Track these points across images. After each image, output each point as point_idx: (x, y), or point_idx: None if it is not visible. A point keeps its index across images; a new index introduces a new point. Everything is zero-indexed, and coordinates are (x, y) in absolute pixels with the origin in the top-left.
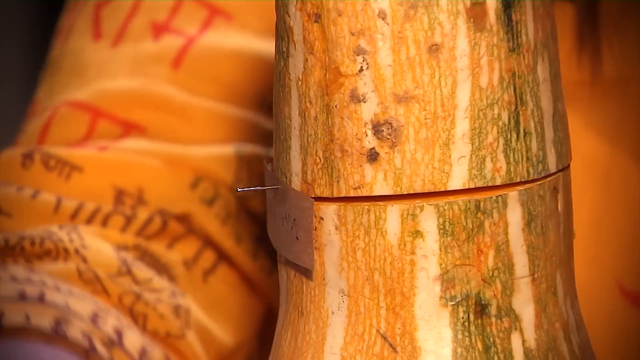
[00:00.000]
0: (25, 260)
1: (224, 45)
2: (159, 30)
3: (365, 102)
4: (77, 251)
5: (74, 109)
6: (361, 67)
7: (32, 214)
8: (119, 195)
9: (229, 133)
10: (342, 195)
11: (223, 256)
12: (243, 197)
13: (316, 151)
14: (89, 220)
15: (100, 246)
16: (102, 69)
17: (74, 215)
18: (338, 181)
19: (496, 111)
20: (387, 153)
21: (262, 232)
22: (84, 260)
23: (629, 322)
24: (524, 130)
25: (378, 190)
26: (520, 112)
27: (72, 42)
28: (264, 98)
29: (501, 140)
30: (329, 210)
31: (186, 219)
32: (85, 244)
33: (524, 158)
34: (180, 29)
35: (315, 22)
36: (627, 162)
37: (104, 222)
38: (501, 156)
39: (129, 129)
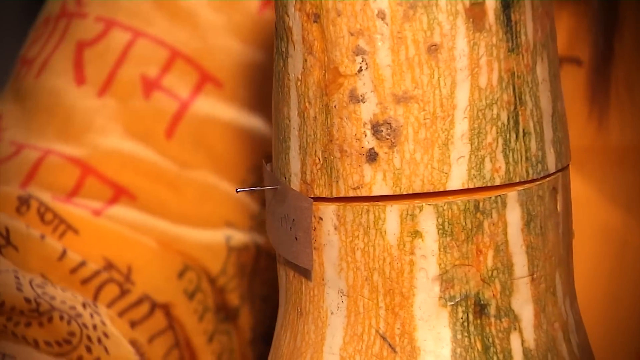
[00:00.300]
0: (49, 337)
1: (215, 116)
2: (149, 86)
3: (364, 102)
4: (99, 340)
5: (64, 159)
6: (360, 67)
7: (38, 256)
8: (109, 269)
9: (218, 212)
10: (341, 196)
11: (189, 356)
12: (222, 289)
13: (315, 151)
14: (87, 280)
15: (118, 337)
16: (90, 120)
17: (74, 270)
18: (337, 181)
19: (495, 111)
20: (386, 153)
21: (228, 328)
22: (106, 350)
23: None
24: (523, 130)
25: (377, 191)
26: (520, 112)
27: (49, 79)
28: (246, 177)
29: (500, 141)
30: (328, 211)
31: (167, 309)
32: (107, 332)
33: (523, 158)
34: (171, 90)
35: (314, 22)
36: None
37: (100, 287)
38: (500, 156)
39: (119, 193)
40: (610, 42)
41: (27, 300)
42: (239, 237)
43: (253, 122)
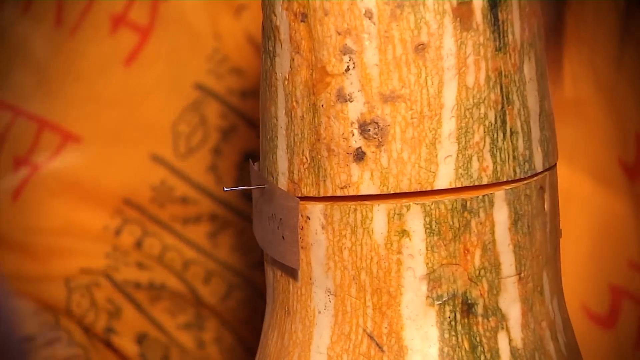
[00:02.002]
0: None
1: (63, 174)
2: (18, 163)
3: (351, 101)
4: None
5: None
6: (347, 66)
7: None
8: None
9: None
10: (328, 195)
11: None
12: None
13: (303, 150)
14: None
15: None
16: None
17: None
18: (325, 180)
19: (483, 110)
20: (373, 152)
21: None
22: None
23: (596, 343)
24: (511, 129)
25: (365, 190)
26: (507, 112)
27: None
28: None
29: (488, 140)
30: (316, 210)
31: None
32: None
33: (511, 157)
34: (33, 161)
35: (301, 21)
36: (585, 183)
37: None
38: (488, 155)
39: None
40: None
41: None
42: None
43: (103, 176)
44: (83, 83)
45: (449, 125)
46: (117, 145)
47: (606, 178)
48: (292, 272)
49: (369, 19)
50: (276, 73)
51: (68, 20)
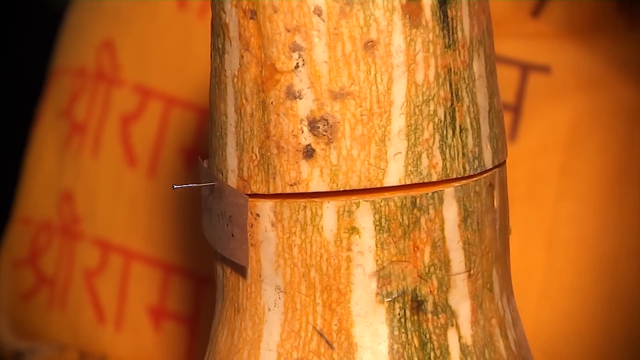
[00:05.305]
0: None
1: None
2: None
3: (301, 98)
4: None
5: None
6: (297, 63)
7: None
8: None
9: None
10: (278, 192)
11: None
12: None
13: (252, 148)
14: None
15: None
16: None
17: None
18: (274, 178)
19: (432, 107)
20: (323, 150)
21: None
22: None
23: None
24: (460, 126)
25: (314, 187)
26: (456, 109)
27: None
28: None
29: (437, 137)
30: (265, 207)
31: None
32: None
33: (460, 154)
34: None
35: (251, 18)
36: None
37: None
38: (437, 152)
39: None
40: None
41: None
42: None
43: None
44: None
45: (398, 122)
46: None
47: None
48: (241, 270)
49: (318, 16)
50: (225, 70)
51: (191, 2)
